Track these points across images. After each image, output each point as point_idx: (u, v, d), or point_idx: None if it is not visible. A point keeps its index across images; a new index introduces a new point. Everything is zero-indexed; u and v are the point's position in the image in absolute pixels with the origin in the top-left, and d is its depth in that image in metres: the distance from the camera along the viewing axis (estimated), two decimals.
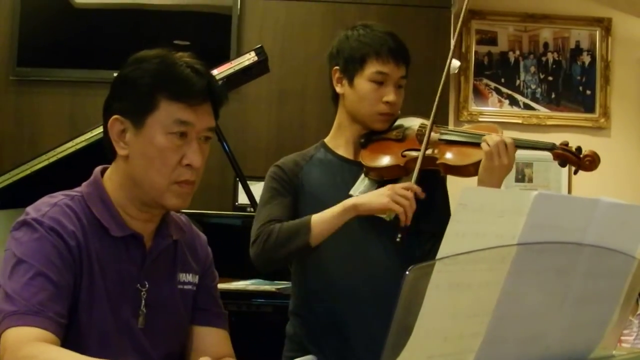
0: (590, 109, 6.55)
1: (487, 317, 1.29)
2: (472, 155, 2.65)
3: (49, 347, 1.81)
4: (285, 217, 2.69)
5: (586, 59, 6.61)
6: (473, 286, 1.25)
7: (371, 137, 2.79)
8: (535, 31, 6.61)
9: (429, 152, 2.68)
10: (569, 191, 6.35)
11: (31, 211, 1.99)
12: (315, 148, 2.88)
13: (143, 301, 2.05)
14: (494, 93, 6.53)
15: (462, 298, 1.25)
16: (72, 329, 1.92)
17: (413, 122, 2.81)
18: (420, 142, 2.68)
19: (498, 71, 6.56)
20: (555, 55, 6.60)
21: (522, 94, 6.55)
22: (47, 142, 4.53)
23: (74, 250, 1.95)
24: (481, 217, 1.25)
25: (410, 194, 2.51)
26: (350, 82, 2.76)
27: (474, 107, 6.49)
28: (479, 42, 6.54)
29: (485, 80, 6.54)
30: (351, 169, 2.78)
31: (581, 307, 1.46)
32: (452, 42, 2.76)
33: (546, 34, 6.62)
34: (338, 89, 2.80)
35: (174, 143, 2.00)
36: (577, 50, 6.62)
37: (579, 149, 2.65)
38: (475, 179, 2.60)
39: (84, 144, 3.85)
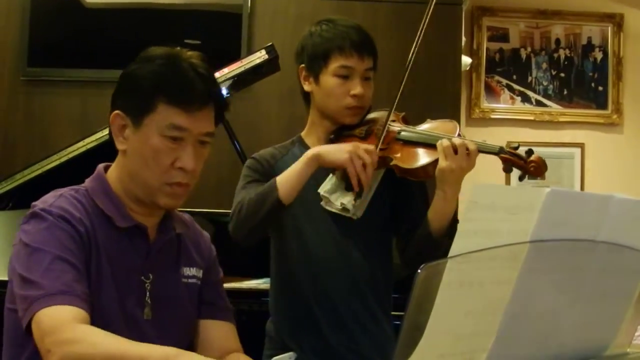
0: (602, 105, 6.52)
1: (499, 315, 1.28)
2: (423, 157, 2.62)
3: (92, 329, 1.84)
4: None
5: (598, 55, 6.58)
6: (485, 284, 1.24)
7: (340, 133, 2.79)
8: (547, 27, 6.58)
9: (384, 152, 2.66)
10: (582, 188, 6.33)
11: (38, 204, 2.03)
12: (292, 142, 2.90)
13: (148, 293, 2.09)
14: (505, 90, 6.51)
15: (474, 296, 1.24)
16: None
17: (381, 116, 2.79)
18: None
19: (510, 68, 6.53)
20: (567, 51, 6.57)
21: (534, 91, 6.52)
22: (58, 142, 4.53)
23: (83, 236, 1.99)
24: (493, 215, 1.24)
25: (369, 159, 2.52)
26: (316, 79, 2.76)
27: (485, 104, 6.47)
28: (490, 39, 6.52)
29: (496, 77, 6.52)
30: (322, 167, 2.77)
31: (594, 305, 1.45)
32: (419, 36, 2.72)
33: (558, 30, 6.59)
34: (306, 87, 2.81)
35: (167, 146, 2.04)
36: (589, 47, 6.59)
37: (528, 152, 2.57)
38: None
39: (94, 143, 3.86)
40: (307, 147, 2.81)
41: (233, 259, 4.18)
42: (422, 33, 2.71)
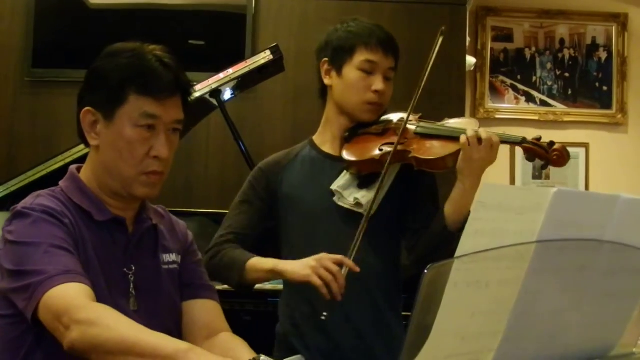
0: (607, 105, 6.51)
1: (506, 315, 1.28)
2: (443, 149, 2.64)
3: (107, 311, 1.86)
4: (246, 229, 2.80)
5: (602, 55, 6.57)
6: (492, 284, 1.24)
7: (356, 131, 2.80)
8: (551, 27, 6.57)
9: (402, 146, 2.67)
10: (586, 188, 6.32)
11: (18, 206, 2.05)
12: (302, 145, 2.92)
13: (131, 284, 2.11)
14: (510, 90, 6.50)
15: (481, 296, 1.24)
16: None
17: (398, 117, 2.80)
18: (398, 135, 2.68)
19: (514, 68, 6.53)
20: (572, 51, 6.57)
21: (538, 91, 6.51)
22: (63, 143, 4.53)
23: (69, 227, 2.01)
24: (500, 215, 1.24)
25: (335, 269, 2.47)
26: (339, 71, 2.78)
27: (490, 104, 6.46)
28: (494, 39, 6.51)
29: (501, 77, 6.51)
30: (334, 165, 2.79)
31: (601, 305, 1.45)
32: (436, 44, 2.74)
33: (562, 30, 6.58)
34: (326, 81, 2.83)
35: (141, 135, 2.08)
36: (594, 46, 6.58)
37: (550, 143, 2.61)
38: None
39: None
40: (316, 148, 2.83)
41: None
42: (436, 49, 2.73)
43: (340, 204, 2.69)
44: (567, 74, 6.54)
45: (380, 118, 2.81)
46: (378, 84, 2.73)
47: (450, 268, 1.19)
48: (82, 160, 3.72)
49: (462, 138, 2.56)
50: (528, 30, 6.57)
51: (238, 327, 2.30)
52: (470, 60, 5.94)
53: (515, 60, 6.54)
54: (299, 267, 2.52)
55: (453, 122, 2.77)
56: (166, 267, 2.22)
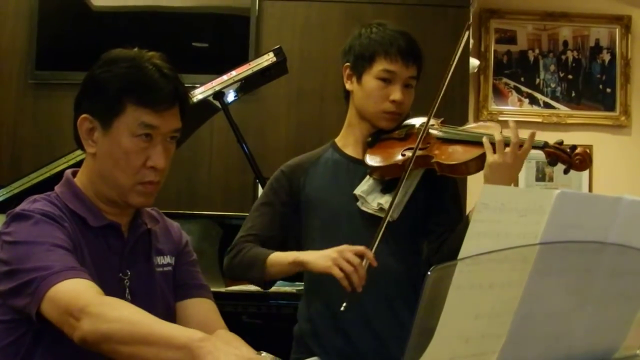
0: (610, 107, 6.50)
1: (509, 317, 1.28)
2: (466, 154, 2.63)
3: (118, 302, 1.86)
4: (266, 231, 2.79)
5: (606, 57, 6.57)
6: (495, 286, 1.24)
7: (378, 136, 2.79)
8: (555, 29, 6.57)
9: (424, 151, 2.67)
10: (590, 190, 6.31)
11: (16, 209, 2.04)
12: (324, 148, 2.91)
13: (127, 289, 2.11)
14: (513, 92, 6.50)
15: (484, 298, 1.24)
16: None
17: (420, 122, 2.80)
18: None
19: (517, 70, 6.52)
20: (575, 53, 6.56)
21: (541, 93, 6.51)
22: (66, 145, 4.52)
23: (69, 231, 2.01)
24: (503, 217, 1.24)
25: (357, 261, 2.47)
26: (359, 79, 2.77)
27: (493, 107, 6.46)
28: (498, 41, 6.51)
29: (504, 80, 6.51)
30: (357, 169, 2.78)
31: (604, 307, 1.45)
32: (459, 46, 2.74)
33: (565, 32, 6.58)
34: (348, 86, 2.83)
35: (139, 146, 2.07)
36: (597, 49, 6.57)
37: (572, 147, 2.61)
38: None
39: None
40: (339, 151, 2.83)
41: None
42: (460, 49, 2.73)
43: (363, 208, 2.69)
44: (570, 76, 6.54)
45: (402, 124, 2.80)
46: (396, 94, 2.72)
47: (453, 270, 1.19)
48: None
49: (486, 142, 2.56)
50: (531, 32, 6.57)
51: (240, 328, 2.30)
52: (474, 62, 5.94)
53: (518, 62, 6.53)
54: (321, 258, 2.52)
55: (473, 126, 2.78)
56: (160, 269, 2.22)
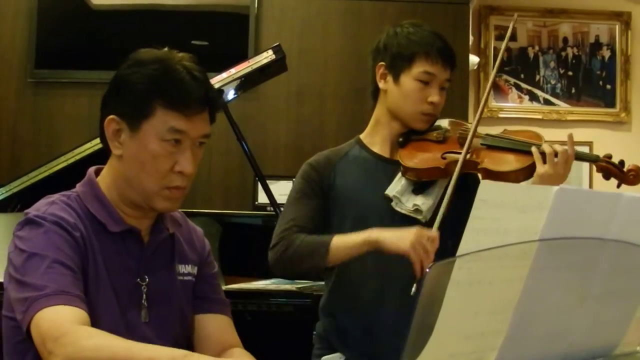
0: (610, 103, 6.51)
1: (509, 314, 1.27)
2: (514, 162, 2.64)
3: (94, 331, 1.83)
4: (309, 223, 2.70)
5: (606, 53, 6.57)
6: (494, 283, 1.24)
7: (410, 136, 2.78)
8: (555, 26, 6.57)
9: (470, 156, 2.66)
10: (590, 186, 6.31)
11: (31, 211, 2.01)
12: (349, 144, 2.86)
13: (144, 295, 2.07)
14: (513, 89, 6.50)
15: (484, 295, 1.23)
16: None
17: (446, 124, 2.80)
18: (462, 145, 2.66)
19: (517, 67, 6.53)
20: (575, 50, 6.57)
21: (542, 90, 6.52)
22: (65, 143, 4.54)
23: (79, 241, 1.98)
24: (502, 213, 1.24)
25: (431, 248, 2.44)
26: (396, 78, 2.75)
27: (494, 103, 6.46)
28: (498, 38, 6.51)
29: (504, 76, 6.51)
30: (386, 168, 2.76)
31: (604, 303, 1.44)
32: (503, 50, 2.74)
33: (565, 28, 6.58)
34: (381, 85, 2.79)
35: (167, 150, 2.02)
36: (597, 45, 6.58)
37: (621, 162, 2.65)
38: None
39: (102, 145, 3.85)
40: (366, 148, 2.80)
41: (241, 260, 4.19)
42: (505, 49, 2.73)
43: (397, 209, 2.67)
44: (570, 73, 6.54)
45: (432, 126, 2.79)
46: (434, 95, 2.72)
47: (452, 267, 1.19)
48: (83, 161, 3.74)
49: (536, 152, 2.56)
50: (531, 29, 6.57)
51: (240, 327, 2.30)
52: (474, 59, 5.94)
53: (518, 59, 6.54)
54: (400, 240, 2.46)
55: (514, 133, 2.77)
56: (181, 278, 2.18)
